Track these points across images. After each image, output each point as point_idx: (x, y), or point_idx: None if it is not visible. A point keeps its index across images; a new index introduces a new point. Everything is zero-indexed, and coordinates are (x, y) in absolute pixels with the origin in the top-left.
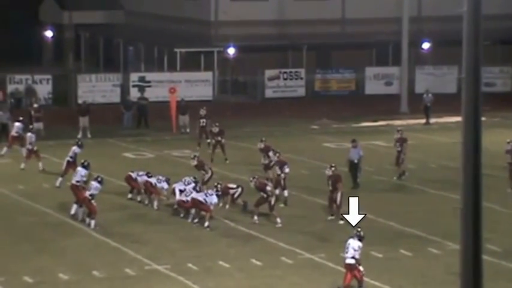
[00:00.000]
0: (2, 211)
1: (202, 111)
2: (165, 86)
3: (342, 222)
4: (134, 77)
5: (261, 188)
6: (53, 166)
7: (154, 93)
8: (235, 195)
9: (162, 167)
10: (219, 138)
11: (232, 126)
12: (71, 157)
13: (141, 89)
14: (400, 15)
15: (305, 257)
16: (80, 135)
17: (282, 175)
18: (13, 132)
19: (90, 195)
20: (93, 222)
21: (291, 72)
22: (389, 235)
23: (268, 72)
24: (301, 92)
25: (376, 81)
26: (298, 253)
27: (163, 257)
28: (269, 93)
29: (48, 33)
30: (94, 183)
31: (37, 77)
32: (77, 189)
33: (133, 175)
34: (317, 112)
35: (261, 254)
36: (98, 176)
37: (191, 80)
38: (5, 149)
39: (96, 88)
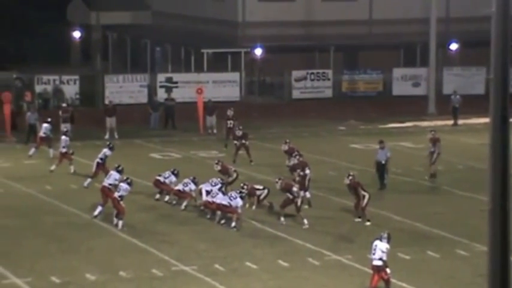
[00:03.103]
0: (30, 212)
1: (230, 112)
2: (192, 86)
3: (368, 223)
4: (161, 77)
5: (287, 189)
6: (79, 167)
7: (181, 94)
8: (262, 197)
9: (189, 168)
10: (243, 141)
11: (259, 127)
12: (101, 159)
13: (168, 89)
14: (428, 16)
15: (332, 258)
16: (107, 136)
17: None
18: (41, 133)
19: (119, 196)
20: (120, 223)
21: (318, 73)
22: (417, 236)
23: (295, 73)
24: (328, 93)
25: (404, 82)
26: (325, 254)
27: (191, 258)
28: (296, 94)
29: (76, 34)
30: (123, 185)
31: (65, 78)
32: (108, 192)
33: (161, 179)
34: (344, 113)
35: (287, 255)
36: (128, 178)
37: (218, 81)
38: (33, 150)
39: (124, 89)
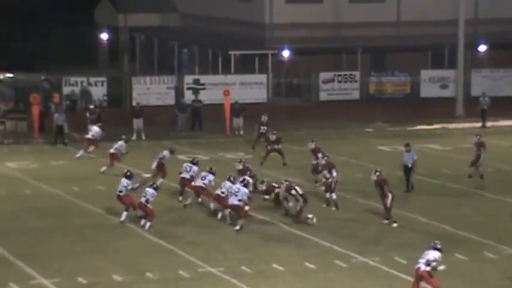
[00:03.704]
0: (57, 212)
1: (264, 118)
2: (219, 88)
3: (395, 225)
4: (188, 79)
5: (288, 190)
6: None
7: (208, 96)
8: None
9: (216, 169)
10: (276, 146)
11: (286, 129)
12: (160, 159)
13: (195, 91)
14: (456, 18)
15: (359, 261)
16: (134, 138)
17: (330, 179)
18: (89, 135)
19: (146, 200)
20: (148, 224)
21: (345, 75)
22: (444, 239)
23: (323, 75)
24: (355, 94)
25: (432, 84)
26: (352, 256)
27: (217, 259)
28: (323, 96)
29: (104, 36)
30: (150, 190)
31: (92, 80)
32: (124, 198)
33: (187, 175)
34: (371, 115)
35: (314, 257)
36: (154, 183)
37: (245, 83)
38: (81, 152)
39: (151, 90)
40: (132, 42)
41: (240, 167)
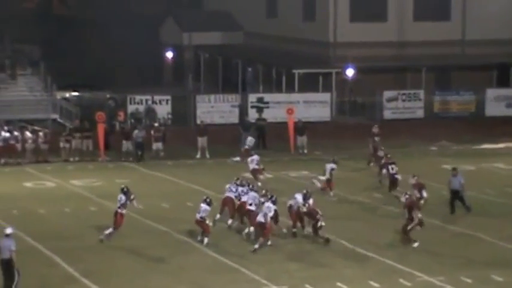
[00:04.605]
0: (121, 230)
1: (375, 129)
2: (283, 107)
3: (416, 244)
4: (253, 97)
5: (312, 213)
6: (171, 185)
7: (272, 114)
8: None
9: (279, 188)
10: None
11: (350, 147)
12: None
13: (259, 110)
14: None
15: (424, 280)
16: (198, 156)
17: (422, 200)
18: (246, 146)
19: (201, 217)
20: (206, 240)
21: (409, 93)
22: (510, 259)
23: (387, 94)
24: (420, 113)
25: (497, 103)
26: (417, 275)
27: (281, 278)
28: (388, 114)
29: (169, 54)
30: (203, 206)
31: (157, 98)
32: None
33: (232, 195)
34: (436, 134)
35: (378, 275)
36: (207, 198)
37: (309, 101)
38: (237, 158)
39: (215, 109)
40: (196, 61)
41: (319, 185)
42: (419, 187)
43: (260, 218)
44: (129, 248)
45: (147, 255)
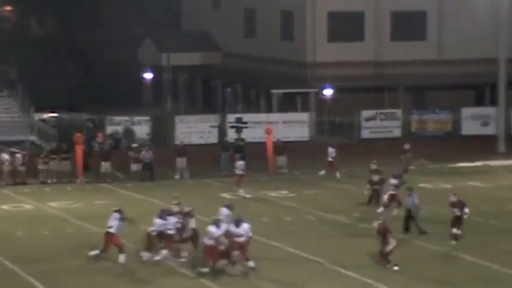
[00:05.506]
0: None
1: (407, 146)
2: (262, 127)
3: (396, 268)
4: (231, 118)
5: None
6: (150, 206)
7: (251, 134)
8: None
9: (259, 207)
10: (377, 187)
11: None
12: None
13: (238, 130)
14: (497, 56)
15: None
16: (177, 176)
17: (465, 216)
18: (329, 158)
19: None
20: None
21: (387, 113)
22: (490, 278)
23: (365, 113)
24: (397, 132)
25: (473, 121)
26: None
27: None
28: (365, 133)
29: (148, 75)
30: (157, 220)
31: (136, 119)
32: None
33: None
34: (414, 153)
35: None
36: (162, 211)
37: (288, 121)
38: (323, 172)
39: (194, 129)
40: (175, 81)
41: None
42: (461, 204)
43: (206, 241)
44: (107, 269)
45: (126, 275)
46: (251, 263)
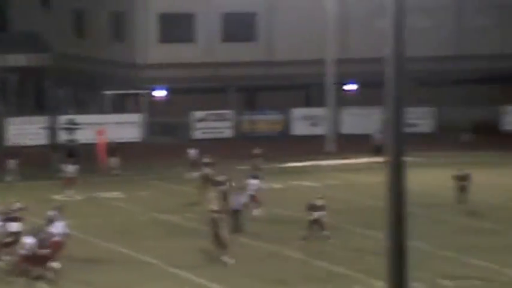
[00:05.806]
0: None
1: (257, 151)
2: (95, 128)
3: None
4: (63, 119)
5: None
6: None
7: (84, 135)
8: None
9: (91, 209)
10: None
11: (160, 166)
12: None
13: (70, 131)
14: (325, 57)
15: None
16: (9, 178)
17: None
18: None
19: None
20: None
21: (218, 113)
22: (320, 274)
23: (196, 114)
24: (228, 133)
25: (303, 122)
26: None
27: None
28: (198, 134)
29: None
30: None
31: None
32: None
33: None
34: (245, 153)
35: None
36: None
37: (119, 122)
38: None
39: (24, 131)
40: (4, 83)
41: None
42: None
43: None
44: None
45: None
46: (57, 264)
